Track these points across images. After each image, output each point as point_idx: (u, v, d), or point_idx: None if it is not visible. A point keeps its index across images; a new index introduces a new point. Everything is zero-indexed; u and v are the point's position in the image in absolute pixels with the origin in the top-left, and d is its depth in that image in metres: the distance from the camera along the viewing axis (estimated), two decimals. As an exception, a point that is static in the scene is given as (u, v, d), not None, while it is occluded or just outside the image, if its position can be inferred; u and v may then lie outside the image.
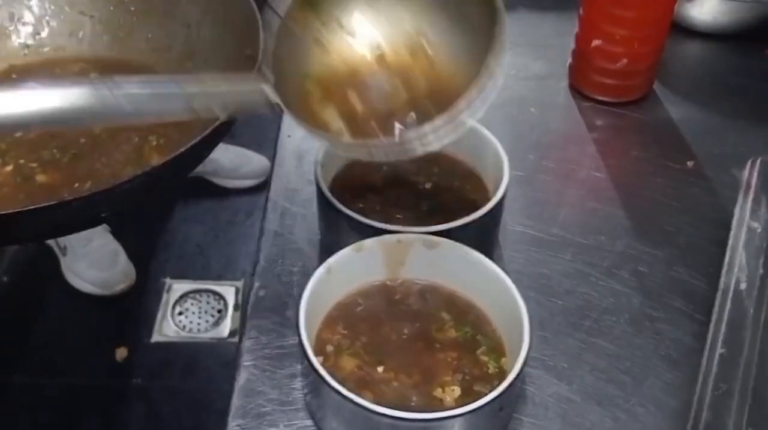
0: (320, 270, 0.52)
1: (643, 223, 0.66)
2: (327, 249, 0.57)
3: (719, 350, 0.48)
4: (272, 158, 0.69)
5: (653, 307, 0.60)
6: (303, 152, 0.70)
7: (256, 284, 0.60)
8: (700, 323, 0.57)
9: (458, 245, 0.53)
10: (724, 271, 0.52)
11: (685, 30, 0.84)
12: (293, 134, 0.72)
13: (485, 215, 0.55)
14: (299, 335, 0.48)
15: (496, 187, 0.57)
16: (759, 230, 0.54)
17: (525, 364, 0.47)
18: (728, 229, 0.58)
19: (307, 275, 0.52)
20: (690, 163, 0.71)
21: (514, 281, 0.51)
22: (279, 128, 0.72)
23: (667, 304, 0.60)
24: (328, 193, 0.56)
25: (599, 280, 0.61)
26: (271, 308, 0.58)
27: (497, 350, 0.52)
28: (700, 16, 0.83)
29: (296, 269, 0.61)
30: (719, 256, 0.58)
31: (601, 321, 0.59)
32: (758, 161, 0.59)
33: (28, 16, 0.69)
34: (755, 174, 0.58)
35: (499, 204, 0.56)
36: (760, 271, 0.51)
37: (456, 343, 0.51)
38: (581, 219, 0.66)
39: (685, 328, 0.58)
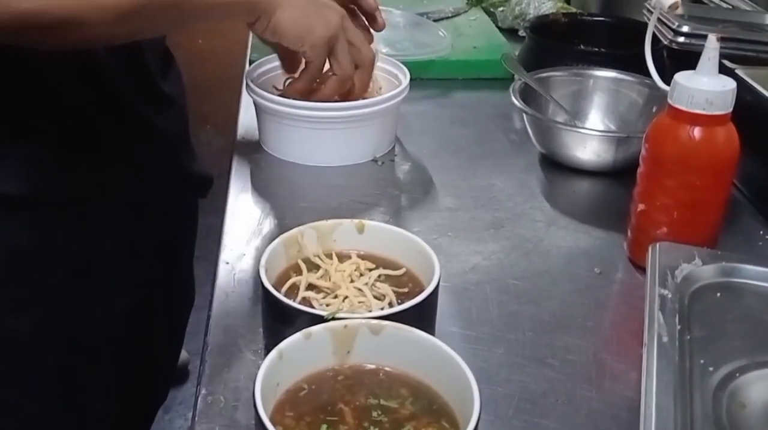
0: (272, 355, 0.53)
1: (565, 320, 0.71)
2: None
3: (654, 401, 0.52)
4: (212, 280, 0.72)
5: (586, 389, 0.63)
6: (240, 275, 0.74)
7: (203, 391, 0.60)
8: (630, 400, 0.61)
9: (404, 326, 0.56)
10: (645, 330, 0.57)
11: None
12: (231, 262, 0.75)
13: (426, 299, 0.59)
14: (257, 413, 0.49)
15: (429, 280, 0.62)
16: (669, 295, 0.59)
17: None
18: (641, 322, 0.64)
19: (253, 381, 0.52)
20: (597, 270, 0.77)
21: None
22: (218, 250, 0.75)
23: (598, 385, 0.64)
24: (272, 290, 0.59)
25: (533, 369, 0.65)
26: (219, 413, 0.59)
27: (454, 423, 0.53)
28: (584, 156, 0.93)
29: (243, 374, 0.62)
30: (638, 345, 0.63)
31: (541, 404, 0.62)
32: (656, 246, 0.67)
33: None
34: (656, 255, 0.65)
35: (435, 290, 0.61)
36: (678, 326, 0.56)
37: (414, 415, 0.53)
38: (508, 319, 0.71)
39: (619, 404, 0.62)
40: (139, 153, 0.83)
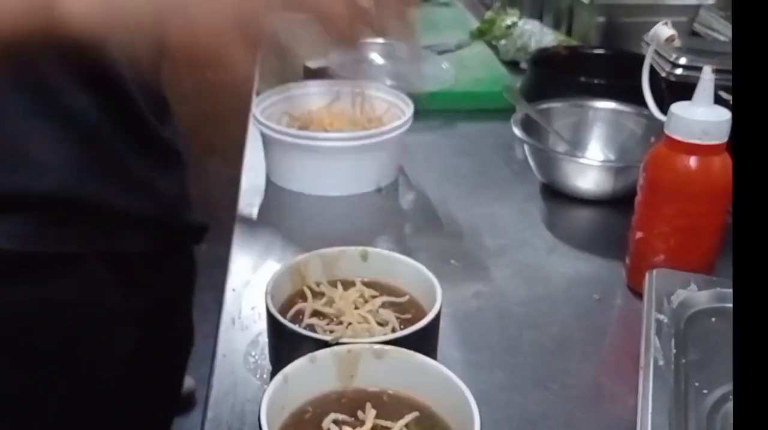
0: (277, 378, 0.55)
1: (565, 344, 0.72)
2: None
3: (650, 423, 0.53)
4: (219, 307, 0.74)
5: (585, 411, 0.65)
6: (246, 301, 0.75)
7: (210, 415, 0.62)
8: (628, 422, 0.62)
9: (406, 351, 0.58)
10: (642, 352, 0.58)
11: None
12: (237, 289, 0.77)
13: (427, 325, 0.61)
14: (262, 434, 0.50)
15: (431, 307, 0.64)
16: (666, 320, 0.61)
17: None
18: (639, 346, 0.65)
19: (258, 404, 0.53)
20: (596, 296, 0.79)
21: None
22: (225, 277, 0.77)
23: (597, 408, 0.65)
24: (278, 316, 0.61)
25: (533, 392, 0.66)
26: (226, 435, 0.60)
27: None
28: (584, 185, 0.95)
29: (248, 398, 0.63)
30: (636, 369, 0.64)
31: (541, 426, 0.63)
32: (653, 272, 0.69)
33: None
34: (653, 281, 0.67)
35: (437, 316, 0.62)
36: (674, 350, 0.58)
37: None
38: (509, 343, 0.72)
39: (616, 427, 0.63)
40: (135, 210, 0.82)
